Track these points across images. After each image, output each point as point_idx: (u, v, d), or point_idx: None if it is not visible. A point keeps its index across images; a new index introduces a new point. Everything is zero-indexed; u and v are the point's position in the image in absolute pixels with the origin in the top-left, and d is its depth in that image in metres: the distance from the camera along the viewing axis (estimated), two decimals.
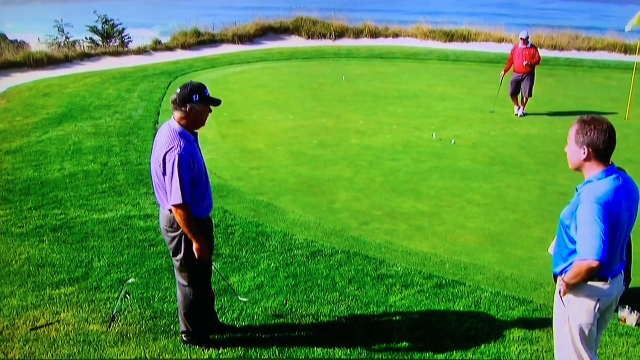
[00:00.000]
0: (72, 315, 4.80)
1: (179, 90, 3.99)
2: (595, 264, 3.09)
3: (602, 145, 3.19)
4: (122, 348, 4.39)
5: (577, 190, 3.35)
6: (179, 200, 3.86)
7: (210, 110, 4.05)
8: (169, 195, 3.90)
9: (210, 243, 4.37)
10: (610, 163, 3.28)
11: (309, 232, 6.61)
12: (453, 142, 10.24)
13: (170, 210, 3.99)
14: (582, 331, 3.38)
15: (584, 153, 3.23)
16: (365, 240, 6.47)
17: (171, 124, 4.00)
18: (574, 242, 3.27)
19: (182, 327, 4.41)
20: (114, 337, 4.52)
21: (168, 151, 3.86)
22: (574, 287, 3.35)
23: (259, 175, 8.54)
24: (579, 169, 3.34)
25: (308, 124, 11.36)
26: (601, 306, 3.36)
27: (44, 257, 5.83)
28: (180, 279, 4.26)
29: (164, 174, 3.89)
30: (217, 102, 4.06)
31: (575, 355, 3.42)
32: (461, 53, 20.48)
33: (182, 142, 3.89)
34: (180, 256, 4.11)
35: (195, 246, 4.03)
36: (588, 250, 3.11)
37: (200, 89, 3.98)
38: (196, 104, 3.93)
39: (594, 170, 3.26)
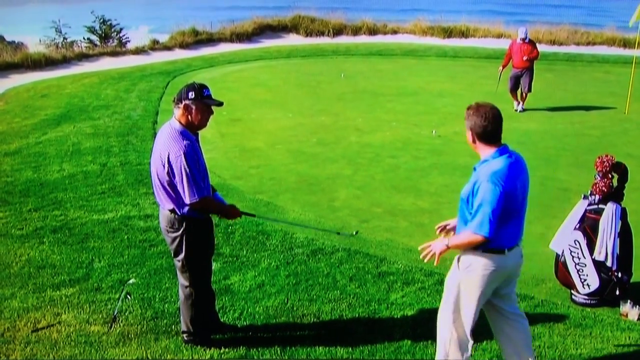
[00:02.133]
0: (73, 316, 4.79)
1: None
2: (479, 238, 3.43)
3: (480, 129, 3.51)
4: (123, 349, 4.38)
5: (474, 169, 3.60)
6: (194, 197, 3.87)
7: (211, 112, 4.03)
8: (184, 194, 3.89)
9: (211, 243, 4.36)
10: (503, 144, 3.56)
11: (309, 230, 6.59)
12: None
13: (171, 211, 3.99)
14: (475, 297, 3.61)
15: (470, 136, 3.60)
16: (365, 237, 6.46)
17: (172, 123, 4.00)
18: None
19: (183, 327, 4.40)
20: (115, 337, 4.51)
21: (172, 152, 3.85)
22: (472, 255, 3.57)
23: (258, 174, 8.53)
24: (474, 150, 3.65)
25: (307, 121, 11.34)
26: (497, 276, 3.61)
27: (44, 259, 5.82)
28: (181, 279, 4.25)
29: (172, 175, 3.88)
30: (213, 102, 4.02)
31: (463, 319, 3.66)
32: (460, 49, 20.43)
33: (184, 141, 3.88)
34: (182, 256, 4.10)
35: (226, 216, 4.25)
36: (478, 225, 3.42)
37: (197, 87, 3.97)
38: (191, 101, 3.91)
39: (485, 151, 3.56)
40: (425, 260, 3.71)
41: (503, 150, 3.54)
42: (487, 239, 3.42)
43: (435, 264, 3.66)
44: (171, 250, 4.18)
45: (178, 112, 3.97)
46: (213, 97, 4.04)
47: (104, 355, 4.31)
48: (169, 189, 3.95)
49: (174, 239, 4.09)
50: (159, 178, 3.98)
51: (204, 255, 4.17)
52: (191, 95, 3.92)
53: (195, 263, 4.13)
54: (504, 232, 3.50)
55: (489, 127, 3.50)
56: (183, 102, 3.92)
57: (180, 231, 4.02)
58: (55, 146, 9.66)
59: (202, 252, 4.15)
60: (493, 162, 3.49)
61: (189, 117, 3.95)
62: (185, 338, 4.41)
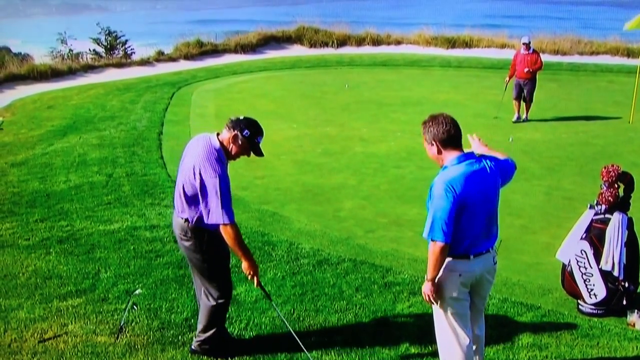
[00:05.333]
0: (79, 326, 4.80)
1: (241, 117, 4.08)
2: (438, 245, 3.41)
3: (444, 134, 3.48)
4: (130, 359, 4.38)
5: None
6: (227, 219, 3.87)
7: (249, 154, 4.09)
8: (216, 214, 3.87)
9: (228, 254, 4.36)
10: (466, 151, 3.56)
11: (315, 240, 6.60)
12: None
13: (185, 220, 4.02)
14: (448, 304, 3.61)
15: (435, 147, 3.54)
16: (371, 248, 6.46)
17: (212, 139, 4.02)
18: None
19: (200, 336, 4.35)
20: (121, 348, 4.51)
21: (209, 170, 3.86)
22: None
23: (264, 184, 8.55)
24: (439, 162, 3.60)
25: (311, 132, 11.38)
26: (464, 280, 3.59)
27: (51, 269, 5.84)
28: (207, 288, 4.22)
29: (203, 193, 3.87)
30: (258, 151, 4.09)
31: (448, 328, 3.66)
32: (463, 59, 20.49)
33: (221, 163, 3.93)
34: (206, 265, 4.13)
35: (244, 264, 4.04)
36: (431, 232, 3.43)
37: (255, 130, 4.03)
38: (244, 137, 3.98)
39: (449, 157, 3.53)
40: (430, 304, 3.70)
41: (466, 156, 3.52)
42: (447, 244, 3.41)
43: (436, 304, 3.63)
44: (191, 260, 4.19)
45: (227, 134, 4.00)
46: (259, 145, 4.09)
47: None
48: (190, 200, 3.97)
49: (187, 248, 4.12)
50: (184, 187, 3.99)
51: (222, 263, 4.19)
52: (246, 133, 3.98)
53: (216, 271, 4.16)
54: (465, 238, 3.50)
55: (452, 131, 3.48)
56: (236, 131, 3.97)
57: (194, 240, 4.05)
58: (61, 157, 9.71)
59: (220, 260, 4.16)
60: (452, 168, 3.48)
61: (231, 146, 4.00)
62: (193, 347, 4.39)
